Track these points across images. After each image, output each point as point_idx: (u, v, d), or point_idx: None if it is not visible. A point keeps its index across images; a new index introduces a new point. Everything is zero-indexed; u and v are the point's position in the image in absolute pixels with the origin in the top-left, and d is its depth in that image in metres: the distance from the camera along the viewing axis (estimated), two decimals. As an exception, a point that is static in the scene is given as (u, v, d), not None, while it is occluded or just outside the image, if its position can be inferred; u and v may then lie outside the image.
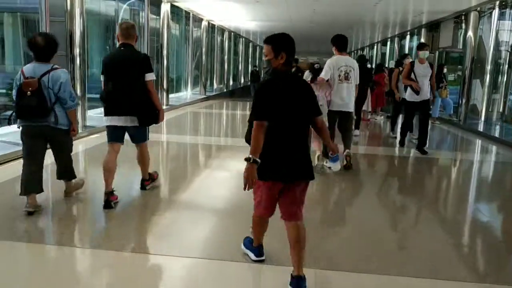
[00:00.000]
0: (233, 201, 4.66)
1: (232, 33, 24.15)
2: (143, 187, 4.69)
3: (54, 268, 3.10)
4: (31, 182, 3.95)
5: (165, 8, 13.14)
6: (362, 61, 10.01)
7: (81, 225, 3.99)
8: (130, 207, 4.38)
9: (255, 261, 3.08)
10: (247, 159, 2.57)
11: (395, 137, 9.16)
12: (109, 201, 4.15)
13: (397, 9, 13.29)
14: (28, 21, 13.18)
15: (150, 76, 4.21)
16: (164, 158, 7.04)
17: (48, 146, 4.13)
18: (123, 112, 4.18)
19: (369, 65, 12.58)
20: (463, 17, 12.86)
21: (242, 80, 28.56)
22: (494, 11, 11.64)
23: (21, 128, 3.97)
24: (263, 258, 3.07)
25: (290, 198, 2.78)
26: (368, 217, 4.35)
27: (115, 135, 4.29)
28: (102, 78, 4.29)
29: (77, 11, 7.76)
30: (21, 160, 4.09)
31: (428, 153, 7.28)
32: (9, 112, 4.21)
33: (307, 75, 6.20)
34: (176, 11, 15.23)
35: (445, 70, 12.08)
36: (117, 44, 4.32)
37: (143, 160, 4.61)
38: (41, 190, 4.03)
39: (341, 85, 5.77)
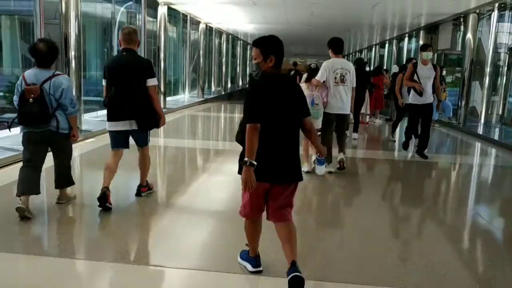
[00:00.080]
0: (230, 205, 4.52)
1: (230, 36, 24.10)
2: (138, 193, 4.60)
3: (44, 280, 3.00)
4: (29, 184, 3.92)
5: (162, 10, 13.09)
6: (360, 64, 9.95)
7: (72, 234, 3.89)
8: (124, 214, 4.29)
9: (252, 272, 2.99)
10: (243, 163, 2.59)
11: (394, 141, 9.10)
12: (105, 195, 4.10)
13: (395, 12, 13.24)
14: (26, 24, 13.12)
15: (152, 82, 4.24)
16: (161, 162, 6.94)
17: (49, 149, 4.14)
18: (125, 116, 4.20)
19: (367, 68, 12.54)
20: (462, 19, 12.82)
21: (240, 83, 28.50)
22: (493, 13, 11.61)
23: (23, 134, 3.99)
24: (260, 269, 2.99)
25: (278, 201, 2.80)
26: (367, 224, 4.25)
27: (118, 141, 4.33)
28: (104, 82, 4.31)
29: (72, 14, 7.70)
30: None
31: (428, 158, 7.19)
32: (7, 115, 4.20)
33: (305, 77, 6.20)
34: (173, 14, 15.17)
35: (444, 73, 12.02)
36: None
37: (143, 164, 4.56)
38: (38, 192, 4.00)
39: (337, 88, 5.78)
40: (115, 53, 11.79)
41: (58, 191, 4.29)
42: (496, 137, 10.64)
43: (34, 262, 3.21)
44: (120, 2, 12.93)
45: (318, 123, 5.75)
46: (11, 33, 14.57)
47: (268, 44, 2.77)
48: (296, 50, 30.95)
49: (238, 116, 14.36)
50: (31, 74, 3.92)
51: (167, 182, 5.81)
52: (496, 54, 12.12)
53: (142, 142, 4.48)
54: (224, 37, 22.91)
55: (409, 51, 18.39)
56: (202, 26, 17.68)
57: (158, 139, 8.23)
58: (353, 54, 32.31)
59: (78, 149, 6.97)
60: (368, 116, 11.94)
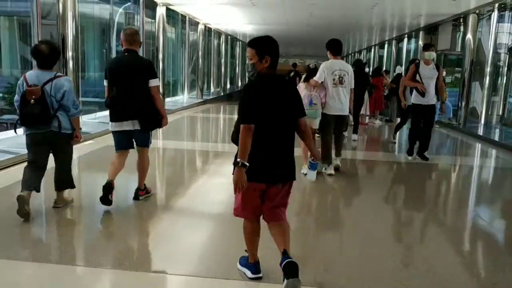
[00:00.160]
0: (229, 207, 4.40)
1: (229, 37, 24.05)
2: (136, 197, 4.54)
3: (41, 286, 2.94)
4: (32, 180, 3.94)
5: (161, 11, 13.04)
6: (358, 65, 9.90)
7: (70, 239, 3.81)
8: (123, 217, 4.23)
9: (252, 279, 2.92)
10: (235, 163, 2.60)
11: (395, 143, 9.05)
12: (110, 186, 4.14)
13: (394, 12, 13.20)
14: (25, 25, 13.09)
15: (155, 82, 4.24)
16: (159, 164, 6.87)
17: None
18: (128, 116, 4.20)
19: (367, 69, 12.50)
20: (461, 20, 12.79)
21: (240, 84, 28.45)
22: (493, 13, 11.57)
23: (26, 135, 4.00)
24: (260, 275, 2.92)
25: (274, 201, 2.81)
26: (368, 226, 4.19)
27: (121, 142, 4.33)
28: (105, 83, 4.31)
29: (70, 14, 7.66)
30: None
31: (429, 159, 7.13)
32: (6, 117, 4.20)
33: (304, 77, 6.18)
34: (172, 15, 15.12)
35: (444, 73, 11.96)
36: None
37: (142, 166, 4.51)
38: (38, 190, 3.99)
39: (336, 89, 5.78)
40: (113, 54, 11.75)
41: (55, 195, 4.23)
42: (496, 138, 10.61)
43: (31, 269, 3.14)
44: (118, 3, 12.90)
45: (316, 123, 5.73)
46: (10, 34, 14.54)
47: (263, 45, 2.76)
48: (295, 51, 30.92)
49: (237, 117, 14.30)
50: (33, 75, 3.92)
51: (165, 184, 5.75)
52: (496, 54, 12.09)
53: (144, 143, 4.45)
54: (223, 38, 22.86)
55: (408, 51, 18.36)
56: (201, 27, 17.63)
57: (157, 140, 8.16)
58: (353, 55, 32.28)
59: (76, 151, 6.85)
60: (367, 117, 11.90)
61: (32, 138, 3.98)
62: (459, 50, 13.58)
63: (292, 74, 13.70)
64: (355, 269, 3.22)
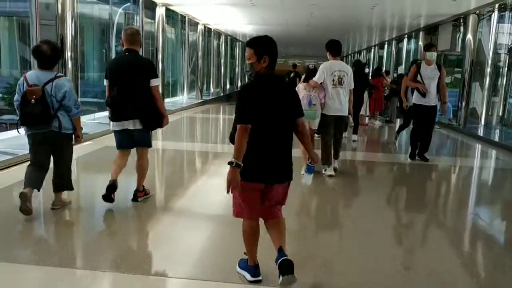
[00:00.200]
0: (229, 209, 4.40)
1: (229, 37, 24.02)
2: (135, 198, 4.51)
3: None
4: (33, 178, 3.97)
5: (160, 11, 13.01)
6: (358, 65, 9.88)
7: (68, 241, 3.79)
8: (121, 218, 4.22)
9: (251, 282, 2.89)
10: (230, 163, 2.60)
11: (395, 143, 9.03)
12: (114, 185, 4.19)
13: (394, 13, 13.17)
14: (24, 25, 13.09)
15: (155, 82, 4.25)
16: (159, 165, 6.85)
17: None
18: (129, 116, 4.21)
19: (366, 70, 12.48)
20: (461, 20, 12.76)
21: (239, 84, 28.43)
22: (493, 14, 11.55)
23: (27, 135, 4.02)
24: (259, 278, 2.89)
25: (272, 201, 2.84)
26: (368, 228, 4.16)
27: (122, 141, 4.34)
28: (106, 83, 4.31)
29: (69, 15, 7.64)
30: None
31: (429, 160, 7.11)
32: (5, 117, 4.20)
33: (303, 77, 6.19)
34: (171, 15, 15.09)
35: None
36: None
37: (141, 167, 4.48)
38: (39, 188, 4.03)
39: (335, 90, 5.77)
40: (113, 54, 11.73)
41: (53, 196, 4.20)
42: (496, 139, 10.58)
43: (28, 271, 3.11)
44: (117, 3, 12.88)
45: (315, 124, 5.71)
46: (9, 34, 14.53)
47: (262, 45, 2.76)
48: (295, 51, 30.90)
49: (234, 117, 14.29)
50: (33, 75, 3.92)
51: (165, 185, 5.73)
52: (496, 55, 12.07)
53: (144, 143, 4.44)
54: (222, 38, 22.82)
55: (408, 52, 18.34)
56: (200, 27, 17.60)
57: (156, 141, 8.12)
58: (352, 55, 32.26)
59: (74, 152, 6.83)
60: (367, 118, 11.89)
61: (33, 138, 3.99)
62: (459, 50, 13.56)
63: (292, 75, 13.68)
64: (355, 270, 3.19)
